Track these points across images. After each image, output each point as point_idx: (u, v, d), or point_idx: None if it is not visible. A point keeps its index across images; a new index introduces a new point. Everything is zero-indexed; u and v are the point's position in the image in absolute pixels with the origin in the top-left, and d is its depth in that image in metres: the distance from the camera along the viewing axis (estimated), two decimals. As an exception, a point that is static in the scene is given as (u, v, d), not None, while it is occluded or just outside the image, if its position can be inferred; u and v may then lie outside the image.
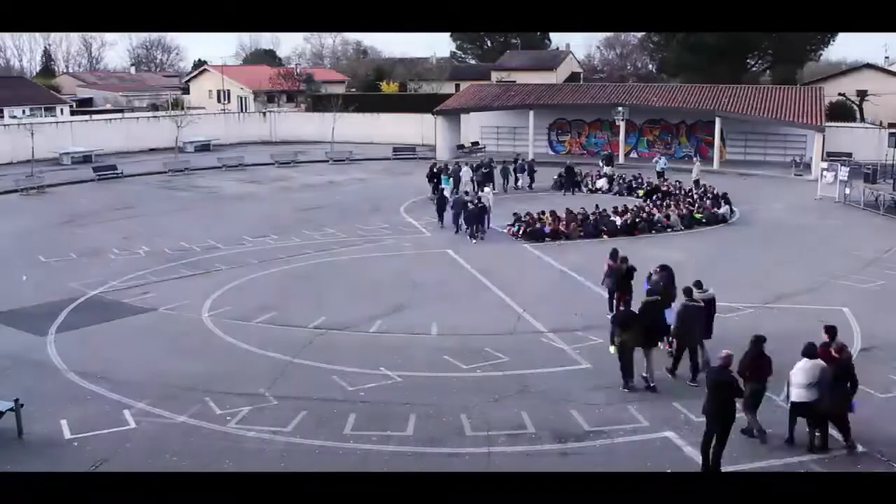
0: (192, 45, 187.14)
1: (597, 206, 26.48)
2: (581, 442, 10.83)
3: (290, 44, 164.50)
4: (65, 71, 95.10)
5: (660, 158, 36.15)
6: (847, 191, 30.29)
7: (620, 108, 41.36)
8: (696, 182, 32.14)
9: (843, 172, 30.41)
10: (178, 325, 16.17)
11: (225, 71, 71.08)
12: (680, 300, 13.50)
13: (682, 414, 11.65)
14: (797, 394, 10.45)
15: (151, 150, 48.53)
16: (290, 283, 19.58)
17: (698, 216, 26.26)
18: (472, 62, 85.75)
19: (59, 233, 25.65)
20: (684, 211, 26.36)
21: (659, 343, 13.58)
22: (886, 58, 66.88)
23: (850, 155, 37.76)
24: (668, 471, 9.87)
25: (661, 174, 34.00)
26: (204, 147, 49.23)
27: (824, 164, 33.18)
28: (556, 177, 33.76)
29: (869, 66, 54.53)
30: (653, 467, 10.06)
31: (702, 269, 19.73)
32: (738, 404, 10.24)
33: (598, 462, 10.30)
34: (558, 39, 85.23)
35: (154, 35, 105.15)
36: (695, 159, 37.54)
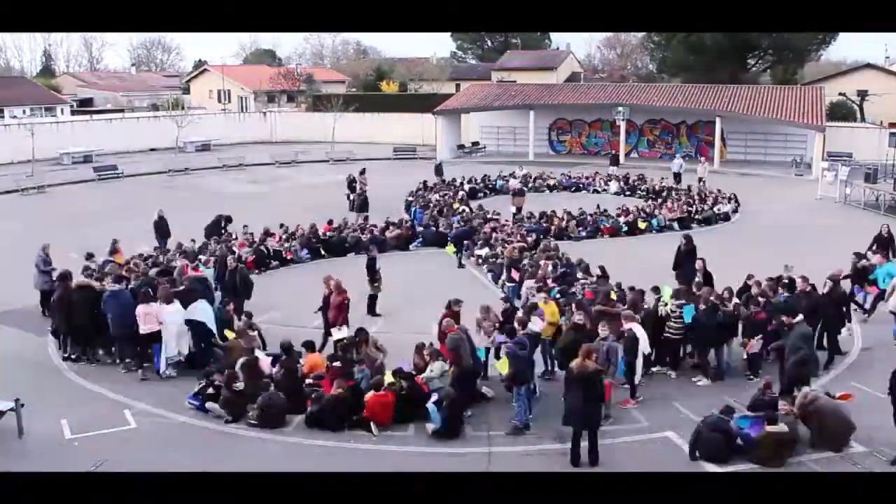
0: (192, 45, 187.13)
1: (598, 205, 26.55)
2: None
3: (290, 44, 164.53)
4: (65, 71, 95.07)
5: (678, 159, 35.66)
6: (847, 191, 30.29)
7: (621, 108, 41.38)
8: (701, 180, 32.22)
9: (844, 172, 30.43)
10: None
11: (225, 71, 71.11)
12: None
13: (682, 414, 11.65)
14: None
15: (152, 150, 48.55)
16: (290, 282, 19.59)
17: (699, 219, 26.29)
18: (473, 62, 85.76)
19: (60, 233, 25.63)
20: (679, 213, 26.37)
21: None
22: (887, 58, 66.89)
23: (850, 155, 37.80)
24: (668, 471, 9.85)
25: (677, 176, 33.68)
26: (204, 147, 49.25)
27: (825, 164, 33.21)
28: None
29: (869, 65, 54.57)
30: (653, 467, 10.05)
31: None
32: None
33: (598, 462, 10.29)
34: (558, 39, 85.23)
35: (154, 35, 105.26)
36: (700, 159, 37.67)
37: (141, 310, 13.16)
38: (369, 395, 11.34)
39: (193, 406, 11.96)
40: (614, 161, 37.84)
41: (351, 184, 30.07)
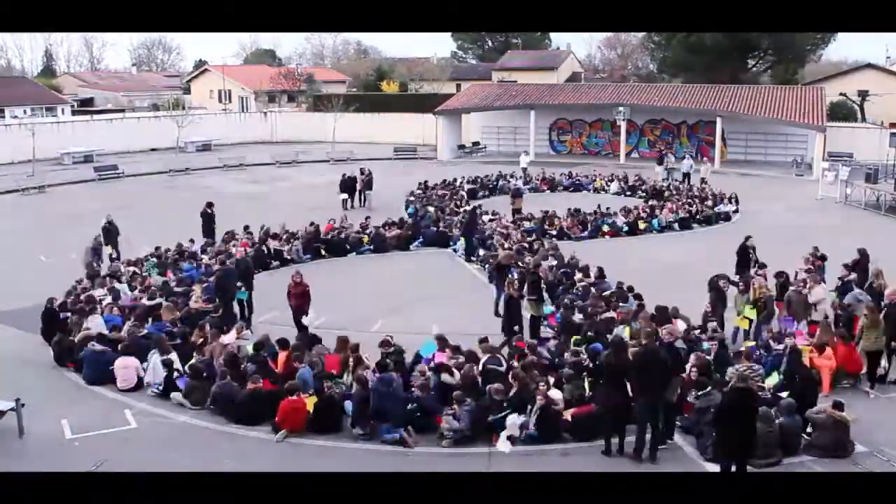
0: (193, 45, 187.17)
1: (598, 205, 26.54)
2: (581, 442, 10.81)
3: (290, 44, 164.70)
4: (66, 71, 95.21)
5: (687, 159, 35.25)
6: (848, 191, 30.28)
7: (621, 108, 41.36)
8: (703, 180, 32.20)
9: (844, 172, 30.42)
10: (179, 324, 16.12)
11: (226, 71, 71.11)
12: None
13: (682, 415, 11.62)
14: None
15: (152, 150, 48.57)
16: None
17: (700, 219, 26.27)
18: (473, 62, 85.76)
19: (60, 233, 25.67)
20: (681, 213, 26.36)
21: None
22: (888, 58, 66.82)
23: (851, 155, 37.79)
24: (668, 471, 9.85)
25: (686, 176, 33.52)
26: (205, 147, 49.26)
27: (825, 165, 33.20)
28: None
29: (870, 66, 54.51)
30: (653, 467, 10.05)
31: (701, 269, 19.74)
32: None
33: (598, 462, 10.29)
34: (559, 39, 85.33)
35: (155, 35, 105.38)
36: (704, 159, 37.70)
37: (121, 363, 12.87)
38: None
39: (157, 393, 12.38)
40: (660, 160, 36.39)
41: (344, 183, 30.04)
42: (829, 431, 10.31)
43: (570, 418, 10.96)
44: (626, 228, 24.85)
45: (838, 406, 10.48)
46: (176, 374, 12.57)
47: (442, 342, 13.01)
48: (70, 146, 44.08)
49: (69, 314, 14.92)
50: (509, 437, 10.72)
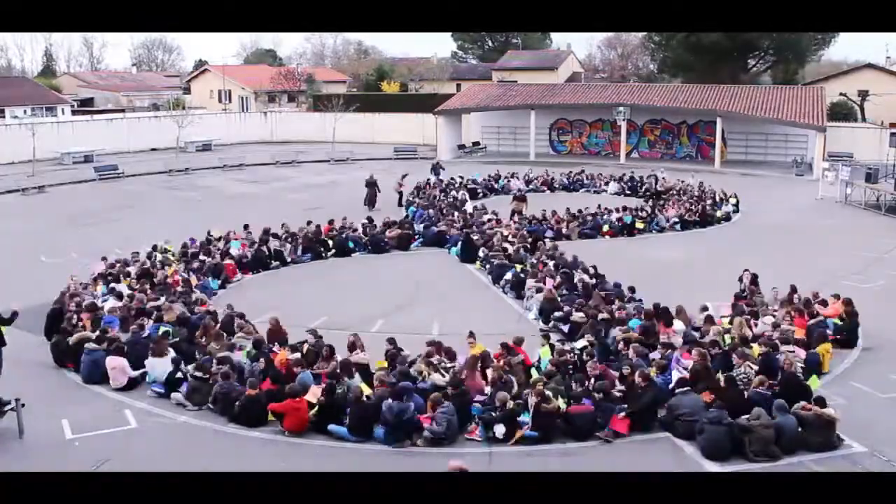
0: (193, 45, 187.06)
1: (599, 205, 26.55)
2: (581, 442, 10.81)
3: (291, 44, 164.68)
4: (66, 71, 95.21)
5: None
6: (848, 191, 30.29)
7: (621, 108, 41.37)
8: (701, 183, 32.14)
9: (845, 172, 30.44)
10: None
11: (226, 71, 71.10)
12: None
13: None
14: None
15: (153, 150, 48.58)
16: (291, 282, 19.59)
17: (699, 219, 26.26)
18: (474, 62, 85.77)
19: (61, 233, 25.68)
20: (681, 211, 26.36)
21: None
22: (888, 58, 66.79)
23: (851, 155, 37.80)
24: (668, 471, 9.85)
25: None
26: (205, 147, 49.24)
27: (825, 165, 33.22)
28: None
29: (870, 65, 54.51)
30: (653, 467, 10.05)
31: (702, 269, 19.80)
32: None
33: (598, 462, 10.29)
34: (559, 39, 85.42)
35: (155, 35, 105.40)
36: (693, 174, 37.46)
37: (110, 363, 12.86)
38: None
39: (157, 394, 12.37)
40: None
41: (372, 186, 29.70)
42: (818, 429, 10.35)
43: (565, 410, 10.98)
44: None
45: (820, 402, 10.54)
46: (179, 374, 12.56)
47: (436, 347, 13.04)
48: (70, 146, 44.07)
49: (72, 314, 14.92)
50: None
